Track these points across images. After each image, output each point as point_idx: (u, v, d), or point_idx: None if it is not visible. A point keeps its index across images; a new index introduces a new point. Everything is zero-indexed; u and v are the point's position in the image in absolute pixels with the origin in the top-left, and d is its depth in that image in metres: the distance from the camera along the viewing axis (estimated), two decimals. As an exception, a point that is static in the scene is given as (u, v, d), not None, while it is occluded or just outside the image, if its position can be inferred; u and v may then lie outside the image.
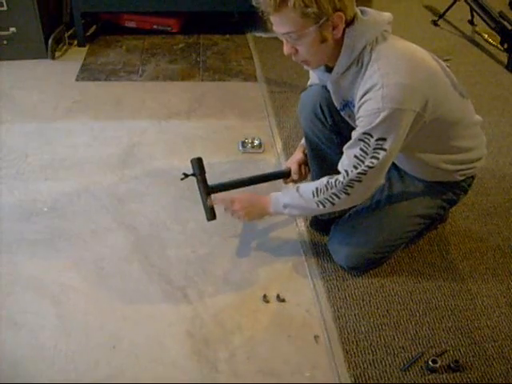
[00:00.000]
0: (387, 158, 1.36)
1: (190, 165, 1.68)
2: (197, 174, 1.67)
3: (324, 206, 1.47)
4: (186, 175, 1.66)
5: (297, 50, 1.36)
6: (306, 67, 1.47)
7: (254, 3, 1.31)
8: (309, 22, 1.27)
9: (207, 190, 1.67)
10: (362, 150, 1.36)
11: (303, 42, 1.32)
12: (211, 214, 1.66)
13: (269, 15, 1.30)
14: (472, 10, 3.27)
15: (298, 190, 1.52)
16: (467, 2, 3.22)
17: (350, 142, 1.40)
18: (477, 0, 3.14)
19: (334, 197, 1.44)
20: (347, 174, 1.40)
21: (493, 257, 1.77)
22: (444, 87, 1.41)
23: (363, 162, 1.37)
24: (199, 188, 1.68)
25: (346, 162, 1.41)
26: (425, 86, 1.33)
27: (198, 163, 1.67)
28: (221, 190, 1.70)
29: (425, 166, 1.59)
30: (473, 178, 1.68)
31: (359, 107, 1.36)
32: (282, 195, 1.57)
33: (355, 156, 1.38)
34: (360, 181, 1.40)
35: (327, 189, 1.44)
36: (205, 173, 1.68)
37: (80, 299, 1.60)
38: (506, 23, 3.00)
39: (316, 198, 1.47)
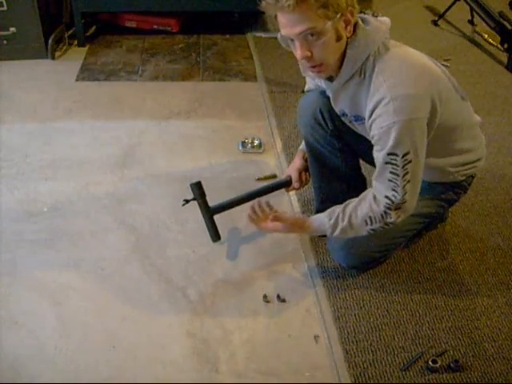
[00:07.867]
0: (418, 166, 1.37)
1: (189, 165, 1.69)
2: (197, 198, 1.68)
3: (375, 231, 1.47)
4: (187, 201, 1.68)
5: (311, 54, 1.30)
6: (315, 75, 1.44)
7: (267, 1, 1.25)
8: (326, 18, 1.24)
9: (210, 213, 1.69)
10: (392, 172, 1.36)
11: (322, 40, 1.27)
12: (216, 236, 1.69)
13: (286, 13, 1.25)
14: (472, 9, 3.26)
15: (349, 222, 1.45)
16: (467, 2, 3.21)
17: (377, 169, 1.39)
18: (477, 0, 3.14)
19: (390, 224, 1.44)
20: (390, 200, 1.39)
21: (493, 257, 1.77)
22: (447, 91, 1.41)
23: (399, 182, 1.37)
24: (201, 211, 1.69)
25: (381, 188, 1.40)
26: (431, 93, 1.33)
27: (198, 187, 1.68)
28: (222, 211, 1.72)
29: (427, 169, 1.58)
30: (473, 177, 1.68)
31: (371, 124, 1.36)
32: (330, 228, 1.48)
33: (389, 180, 1.37)
34: (405, 195, 1.39)
35: (382, 218, 1.43)
36: (205, 196, 1.68)
37: (80, 299, 1.60)
38: (506, 23, 3.00)
39: (369, 226, 1.45)
